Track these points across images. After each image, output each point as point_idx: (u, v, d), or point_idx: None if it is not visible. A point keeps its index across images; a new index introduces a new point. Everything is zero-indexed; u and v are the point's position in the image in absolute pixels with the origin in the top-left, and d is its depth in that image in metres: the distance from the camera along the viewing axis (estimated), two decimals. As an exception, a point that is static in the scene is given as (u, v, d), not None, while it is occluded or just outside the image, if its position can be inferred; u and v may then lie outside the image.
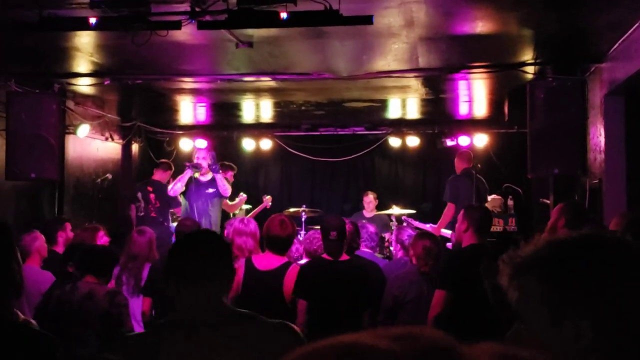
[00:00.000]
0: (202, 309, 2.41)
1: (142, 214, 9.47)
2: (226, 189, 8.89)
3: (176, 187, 8.79)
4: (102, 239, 6.29)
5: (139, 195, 9.56)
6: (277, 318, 2.58)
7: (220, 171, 9.01)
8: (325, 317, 5.09)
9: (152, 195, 9.47)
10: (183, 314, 2.43)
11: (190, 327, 2.36)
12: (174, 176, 9.42)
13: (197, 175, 8.83)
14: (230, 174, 10.55)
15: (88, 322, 4.51)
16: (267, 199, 11.20)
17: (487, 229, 5.26)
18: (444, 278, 5.02)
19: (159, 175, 9.89)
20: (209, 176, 8.98)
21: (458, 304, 4.85)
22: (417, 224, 9.64)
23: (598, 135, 7.18)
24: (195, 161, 8.87)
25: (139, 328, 5.43)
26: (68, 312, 4.53)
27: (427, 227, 9.15)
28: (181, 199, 9.69)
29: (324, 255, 5.47)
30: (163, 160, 10.82)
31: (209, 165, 8.88)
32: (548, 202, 9.07)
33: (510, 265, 1.45)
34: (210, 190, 8.84)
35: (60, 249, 6.64)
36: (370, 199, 11.14)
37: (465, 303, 4.78)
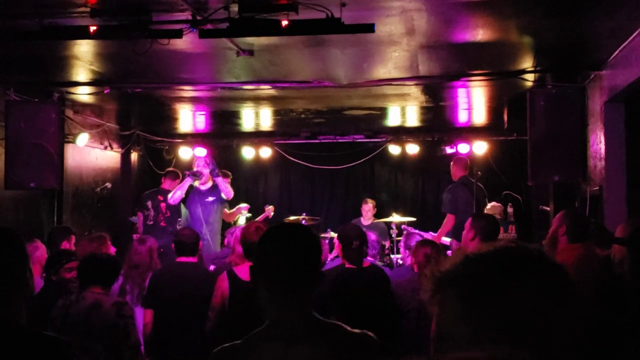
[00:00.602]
0: (296, 318, 2.26)
1: (152, 222, 9.45)
2: (228, 191, 8.87)
3: (176, 196, 8.77)
4: (110, 248, 6.28)
5: (149, 203, 9.54)
6: None
7: (220, 175, 8.99)
8: (361, 325, 5.05)
9: (163, 205, 9.45)
10: (277, 325, 2.27)
11: (288, 339, 2.22)
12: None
13: (197, 183, 8.81)
14: (227, 181, 10.54)
15: (95, 333, 4.45)
16: (270, 209, 11.19)
17: (493, 237, 5.26)
18: None
19: (167, 184, 9.88)
20: (209, 184, 8.96)
21: None
22: (417, 232, 9.62)
23: (598, 143, 7.18)
24: (195, 169, 8.85)
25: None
26: (73, 322, 4.49)
27: (428, 236, 9.13)
28: (181, 207, 9.68)
29: (347, 265, 5.50)
30: (170, 169, 10.81)
31: (210, 171, 8.86)
32: (548, 209, 9.07)
33: (431, 280, 1.40)
34: (211, 198, 8.83)
35: None
36: (369, 207, 11.14)
37: None
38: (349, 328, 2.34)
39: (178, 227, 9.60)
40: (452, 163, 9.65)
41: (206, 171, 8.85)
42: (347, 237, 5.52)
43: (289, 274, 2.28)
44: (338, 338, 2.28)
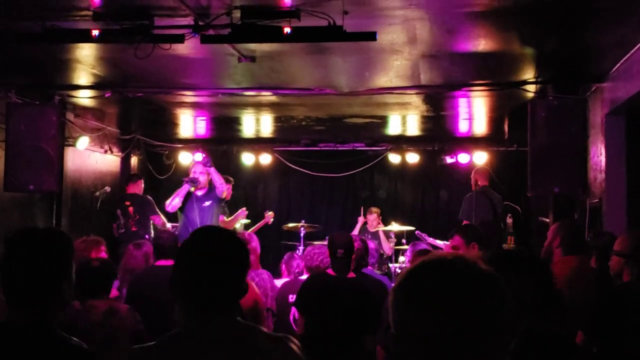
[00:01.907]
0: (211, 321, 2.24)
1: (123, 230, 9.32)
2: (221, 183, 8.80)
3: (174, 203, 8.73)
4: (102, 253, 6.24)
5: (118, 212, 9.46)
6: None
7: (213, 166, 8.91)
8: (324, 334, 5.03)
9: (130, 209, 9.38)
10: (191, 328, 2.25)
11: (199, 342, 2.20)
12: (172, 191, 9.31)
13: (193, 189, 8.79)
14: (228, 187, 10.51)
15: (115, 340, 4.30)
16: (269, 215, 11.18)
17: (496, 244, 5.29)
18: None
19: (133, 188, 9.77)
20: (204, 190, 8.92)
21: None
22: (430, 240, 9.62)
23: (599, 155, 7.17)
24: (192, 176, 8.82)
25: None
26: (85, 332, 4.27)
27: (441, 244, 9.11)
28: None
29: (329, 271, 5.41)
30: (133, 173, 10.79)
31: (204, 163, 8.82)
32: (548, 220, 9.05)
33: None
34: (207, 202, 8.80)
35: None
36: (373, 217, 11.16)
37: None
38: (266, 332, 2.33)
39: (151, 229, 9.55)
40: (473, 172, 9.66)
41: (203, 178, 8.83)
42: (333, 246, 5.39)
43: (207, 286, 2.24)
44: (255, 339, 2.24)
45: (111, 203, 9.99)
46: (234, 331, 2.23)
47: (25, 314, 2.36)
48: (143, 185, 9.94)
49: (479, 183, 9.37)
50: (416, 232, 10.15)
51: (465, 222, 8.81)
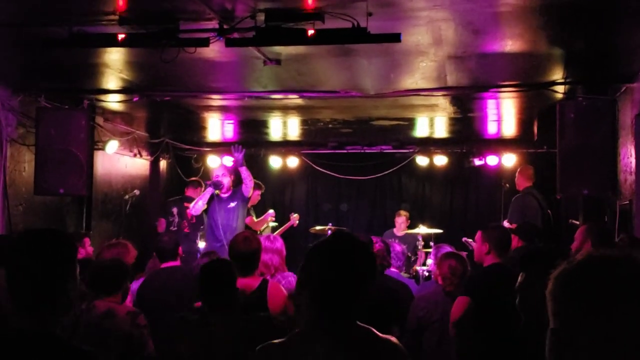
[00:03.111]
0: (336, 323, 2.37)
1: (175, 228, 9.55)
2: (251, 179, 8.82)
3: (197, 206, 8.77)
4: (131, 254, 6.29)
5: (174, 210, 9.65)
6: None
7: (245, 165, 8.94)
8: None
9: (189, 212, 9.52)
10: (318, 329, 2.37)
11: (328, 342, 2.32)
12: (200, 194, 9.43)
13: (218, 192, 8.82)
14: (257, 193, 10.56)
15: (108, 343, 4.31)
16: (295, 217, 11.19)
17: (507, 248, 5.25)
18: (468, 286, 5.04)
19: (191, 192, 9.96)
20: (229, 192, 8.94)
21: (483, 318, 4.84)
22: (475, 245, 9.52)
23: (628, 156, 7.06)
24: (215, 179, 8.86)
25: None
26: (84, 332, 4.33)
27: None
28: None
29: None
30: (193, 178, 10.93)
31: (237, 160, 8.85)
32: (577, 223, 8.94)
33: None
34: (232, 204, 8.82)
35: None
36: (402, 219, 11.14)
37: (489, 317, 4.76)
38: (379, 333, 2.42)
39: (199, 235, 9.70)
40: (517, 173, 9.60)
41: (226, 180, 8.85)
42: None
43: (332, 285, 2.36)
44: (374, 343, 2.37)
45: (166, 199, 10.21)
46: (356, 333, 2.37)
47: (30, 317, 2.35)
48: (200, 193, 10.04)
49: (523, 184, 9.33)
50: (463, 239, 10.05)
51: (514, 225, 8.74)
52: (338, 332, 2.34)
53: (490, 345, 4.79)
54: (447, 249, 6.93)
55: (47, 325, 2.36)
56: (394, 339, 2.44)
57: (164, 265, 6.04)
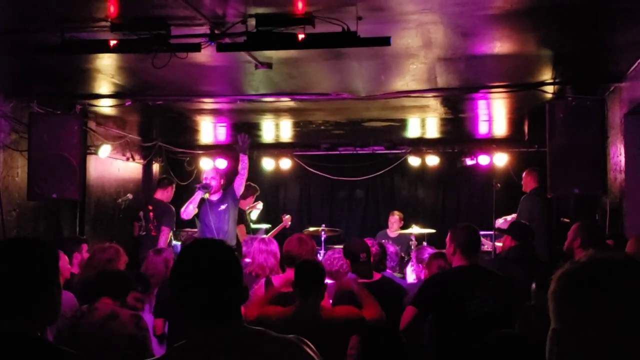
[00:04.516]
0: (216, 330, 2.25)
1: (144, 233, 9.46)
2: (246, 170, 8.82)
3: (188, 210, 8.76)
4: (122, 259, 6.32)
5: (141, 214, 9.59)
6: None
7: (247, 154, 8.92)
8: (370, 338, 5.04)
9: (151, 214, 9.47)
10: (197, 339, 2.27)
11: (206, 351, 2.22)
12: (187, 198, 9.37)
13: (207, 195, 8.82)
14: (250, 198, 10.59)
15: (111, 344, 4.36)
16: (287, 219, 11.22)
17: (475, 249, 5.08)
18: (415, 296, 4.92)
19: (160, 194, 9.84)
20: (219, 194, 8.94)
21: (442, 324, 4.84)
22: (490, 246, 9.58)
23: (618, 155, 7.13)
24: (204, 182, 8.86)
25: (158, 348, 5.43)
26: (85, 333, 4.40)
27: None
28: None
29: (359, 280, 5.41)
30: (162, 176, 10.86)
31: (239, 147, 8.83)
32: (568, 221, 9.01)
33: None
34: (222, 207, 8.83)
35: (75, 269, 6.61)
36: (395, 219, 11.19)
37: (448, 324, 4.77)
38: (274, 333, 2.32)
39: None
40: (524, 174, 9.71)
41: (214, 182, 8.86)
42: (354, 252, 5.52)
43: (206, 296, 2.25)
44: (261, 344, 2.26)
45: (139, 204, 10.16)
46: (238, 337, 2.25)
47: (15, 322, 2.39)
48: (172, 193, 9.98)
49: (531, 185, 9.45)
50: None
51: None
52: (218, 338, 2.23)
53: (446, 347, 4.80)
54: (429, 250, 6.98)
55: (30, 328, 2.40)
56: (292, 337, 2.32)
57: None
